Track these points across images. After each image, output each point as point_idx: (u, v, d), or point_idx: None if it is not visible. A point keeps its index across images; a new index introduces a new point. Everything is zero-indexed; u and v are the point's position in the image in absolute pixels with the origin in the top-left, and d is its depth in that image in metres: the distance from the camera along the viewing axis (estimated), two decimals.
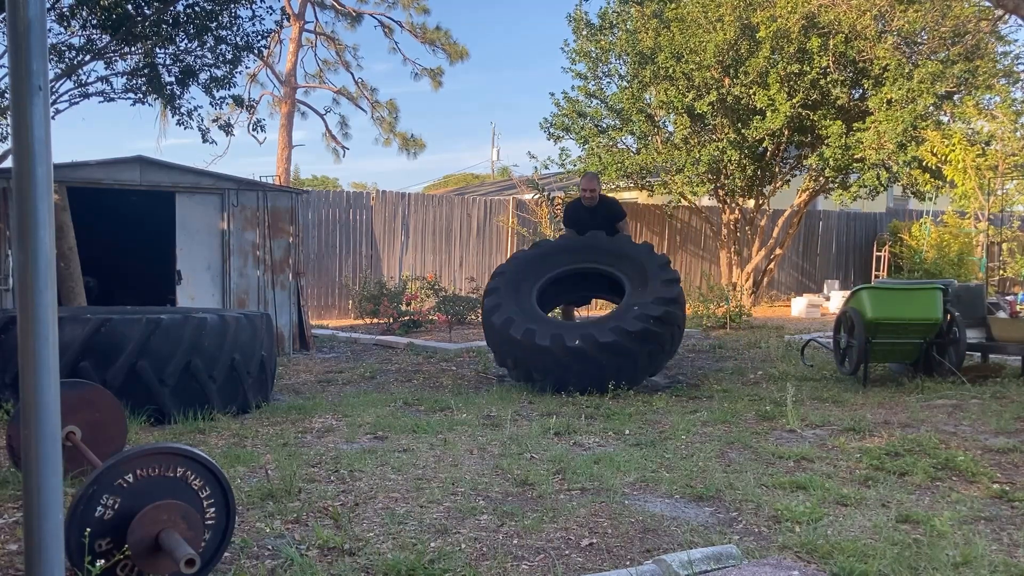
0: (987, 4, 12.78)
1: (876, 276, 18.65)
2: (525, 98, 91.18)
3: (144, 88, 11.45)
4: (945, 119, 14.59)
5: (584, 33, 16.18)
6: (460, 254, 15.92)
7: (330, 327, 12.83)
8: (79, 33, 10.95)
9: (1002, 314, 8.12)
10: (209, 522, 2.95)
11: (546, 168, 17.07)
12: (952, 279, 12.96)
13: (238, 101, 13.12)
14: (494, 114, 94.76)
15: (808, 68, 13.83)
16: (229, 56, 11.41)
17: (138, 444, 4.66)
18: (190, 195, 9.63)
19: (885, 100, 13.54)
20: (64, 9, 10.45)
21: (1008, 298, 8.71)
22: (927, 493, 4.20)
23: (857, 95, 14.72)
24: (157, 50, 11.14)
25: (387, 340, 10.96)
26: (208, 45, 11.21)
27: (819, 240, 19.76)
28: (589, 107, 16.21)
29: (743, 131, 14.39)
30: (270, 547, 3.40)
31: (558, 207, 15.03)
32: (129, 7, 10.27)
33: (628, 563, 3.26)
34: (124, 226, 12.06)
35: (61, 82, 10.98)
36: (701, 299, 12.83)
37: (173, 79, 11.38)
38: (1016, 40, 35.33)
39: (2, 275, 8.49)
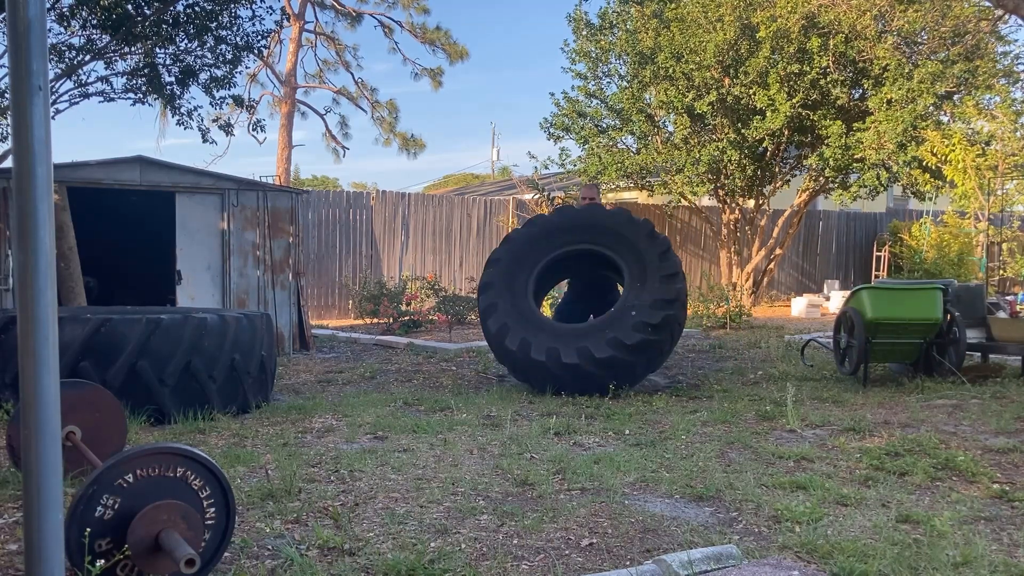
0: (987, 4, 12.78)
1: (876, 276, 18.65)
2: (525, 98, 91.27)
3: (144, 88, 11.45)
4: (945, 119, 14.60)
5: (584, 33, 16.19)
6: (460, 254, 15.92)
7: (330, 327, 12.83)
8: (79, 33, 10.95)
9: (1002, 314, 8.12)
10: (209, 522, 2.95)
11: (546, 168, 17.09)
12: (952, 279, 12.95)
13: (238, 101, 13.11)
14: (494, 114, 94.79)
15: (808, 68, 13.84)
16: (229, 56, 11.41)
17: (138, 444, 4.66)
18: (190, 195, 9.63)
19: (885, 100, 13.54)
20: (64, 9, 10.45)
21: (1008, 298, 8.71)
22: (927, 493, 4.20)
23: (857, 95, 14.72)
24: (157, 50, 11.14)
25: (387, 340, 10.96)
26: (208, 45, 11.20)
27: (819, 240, 19.76)
28: (589, 107, 16.21)
29: (743, 131, 14.39)
30: (270, 547, 3.40)
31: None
32: (129, 7, 10.26)
33: (628, 563, 3.26)
34: (124, 226, 12.06)
35: (61, 82, 10.98)
36: (701, 299, 12.84)
37: (173, 79, 11.38)
38: (1016, 40, 35.34)
39: (2, 275, 8.49)
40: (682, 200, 16.15)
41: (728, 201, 16.15)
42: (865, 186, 14.75)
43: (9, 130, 6.28)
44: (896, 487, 4.27)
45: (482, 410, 6.41)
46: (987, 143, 14.13)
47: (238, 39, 11.34)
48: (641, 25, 15.03)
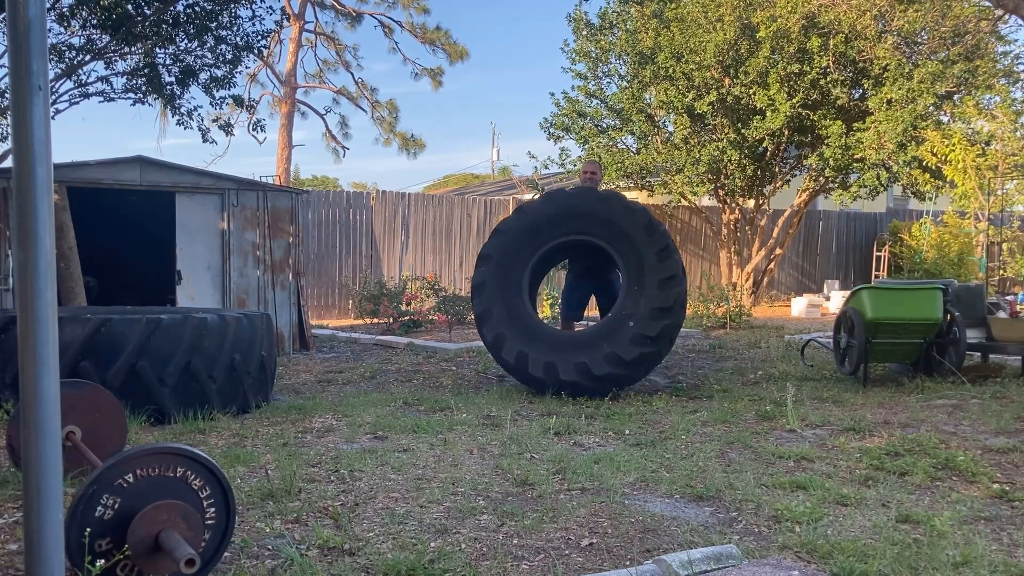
0: (987, 4, 12.79)
1: (876, 276, 18.66)
2: (525, 98, 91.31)
3: (144, 88, 11.45)
4: (945, 119, 14.60)
5: (584, 33, 16.19)
6: (460, 254, 15.93)
7: (330, 327, 12.83)
8: (79, 33, 10.95)
9: (1002, 314, 8.12)
10: (209, 522, 2.95)
11: (546, 168, 17.10)
12: (952, 279, 12.96)
13: (238, 101, 13.12)
14: (494, 114, 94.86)
15: (808, 68, 13.84)
16: (229, 56, 11.41)
17: (138, 444, 4.66)
18: (190, 195, 9.63)
19: (885, 100, 13.55)
20: (64, 9, 10.45)
21: (1008, 298, 8.71)
22: (927, 493, 4.20)
23: (857, 95, 14.73)
24: (157, 50, 11.14)
25: (387, 340, 10.96)
26: (208, 45, 11.21)
27: (819, 240, 19.76)
28: (589, 107, 16.22)
29: (743, 131, 14.40)
30: (270, 547, 3.40)
31: None
32: (129, 7, 10.26)
33: (628, 563, 3.26)
34: (124, 226, 12.06)
35: (61, 82, 10.98)
36: (701, 299, 12.84)
37: (173, 79, 11.38)
38: (1016, 40, 35.35)
39: (2, 275, 8.49)
40: (682, 200, 16.15)
41: (728, 201, 16.15)
42: (865, 186, 14.76)
43: (9, 130, 6.28)
44: (896, 487, 4.27)
45: (482, 410, 6.40)
46: (987, 143, 14.13)
47: (238, 39, 11.34)
48: (641, 25, 15.04)
